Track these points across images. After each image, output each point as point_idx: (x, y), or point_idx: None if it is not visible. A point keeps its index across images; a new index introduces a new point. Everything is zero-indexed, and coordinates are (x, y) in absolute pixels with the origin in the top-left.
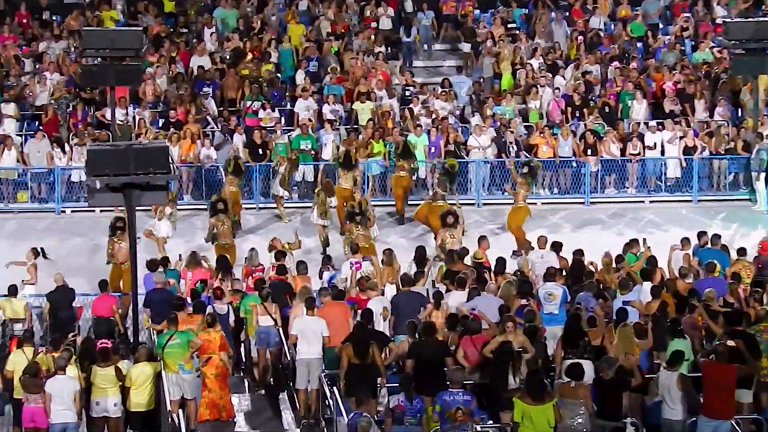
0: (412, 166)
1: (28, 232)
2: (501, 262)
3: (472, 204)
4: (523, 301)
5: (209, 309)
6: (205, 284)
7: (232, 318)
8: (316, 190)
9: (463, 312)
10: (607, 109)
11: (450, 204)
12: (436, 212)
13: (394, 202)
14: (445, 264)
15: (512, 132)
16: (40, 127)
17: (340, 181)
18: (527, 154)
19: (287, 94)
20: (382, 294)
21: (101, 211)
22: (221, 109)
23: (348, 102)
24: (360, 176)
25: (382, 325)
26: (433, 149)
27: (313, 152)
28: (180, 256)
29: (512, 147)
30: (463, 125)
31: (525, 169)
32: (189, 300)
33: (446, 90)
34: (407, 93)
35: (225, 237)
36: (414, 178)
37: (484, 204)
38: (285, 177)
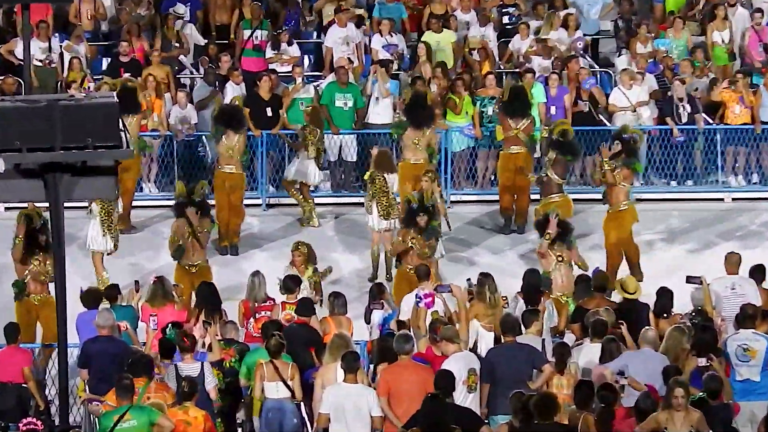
0: (528, 134)
1: None
2: (665, 296)
3: None
4: (702, 361)
5: (171, 372)
6: (179, 329)
7: (210, 381)
8: (368, 174)
9: (604, 377)
10: None
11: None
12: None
13: (496, 197)
14: (573, 299)
15: (682, 82)
16: None
17: (405, 153)
18: (707, 118)
19: (312, 17)
20: (470, 348)
21: (6, 209)
22: (206, 42)
23: (413, 31)
24: (436, 144)
25: (468, 399)
26: (553, 109)
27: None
28: (136, 283)
29: (683, 107)
30: (601, 70)
31: (617, 146)
32: (156, 354)
33: (570, 12)
34: (508, 18)
35: (197, 254)
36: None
37: (638, 200)
38: (318, 150)
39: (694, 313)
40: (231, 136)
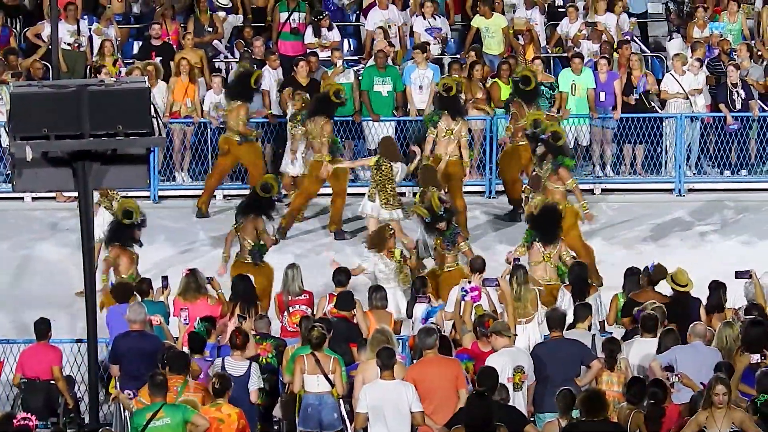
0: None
1: None
2: (718, 290)
3: (669, 191)
4: (755, 357)
5: (217, 367)
6: (212, 324)
7: (255, 383)
8: (374, 159)
9: (655, 373)
10: None
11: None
12: None
13: None
14: (623, 293)
15: (737, 67)
16: None
17: (437, 146)
18: (762, 105)
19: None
20: (514, 343)
21: (34, 199)
22: (241, 25)
23: (458, 14)
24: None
25: (513, 397)
26: (603, 95)
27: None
28: (164, 279)
29: (737, 93)
30: (653, 54)
31: (541, 148)
32: (187, 350)
33: None
34: (560, 0)
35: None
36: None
37: (690, 191)
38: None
39: (747, 308)
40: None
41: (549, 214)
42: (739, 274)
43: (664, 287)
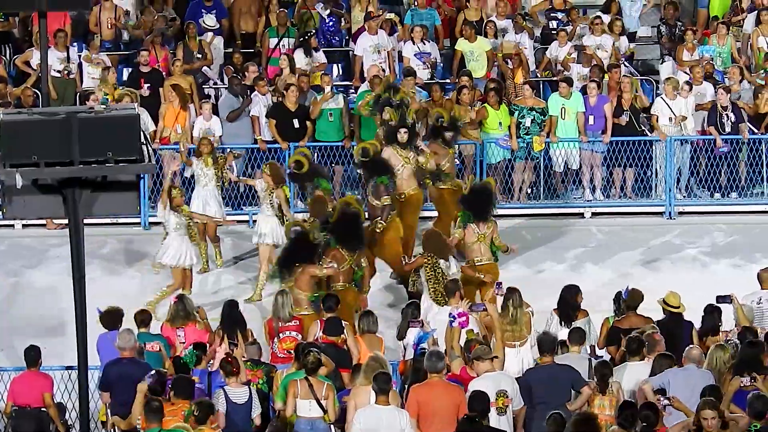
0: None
1: None
2: (712, 313)
3: (660, 214)
4: (745, 380)
5: (220, 397)
6: (202, 351)
7: (257, 407)
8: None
9: (646, 396)
10: None
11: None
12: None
13: (534, 209)
14: (613, 317)
15: (726, 90)
16: None
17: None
18: (752, 127)
19: (340, 24)
20: (502, 367)
21: (24, 226)
22: (229, 50)
23: (446, 38)
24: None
25: (499, 421)
26: (592, 119)
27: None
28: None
29: (727, 117)
30: (642, 78)
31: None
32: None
33: (612, 17)
34: (549, 23)
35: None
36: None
37: (681, 213)
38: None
39: (742, 331)
40: None
41: (480, 193)
42: (720, 299)
43: (657, 311)
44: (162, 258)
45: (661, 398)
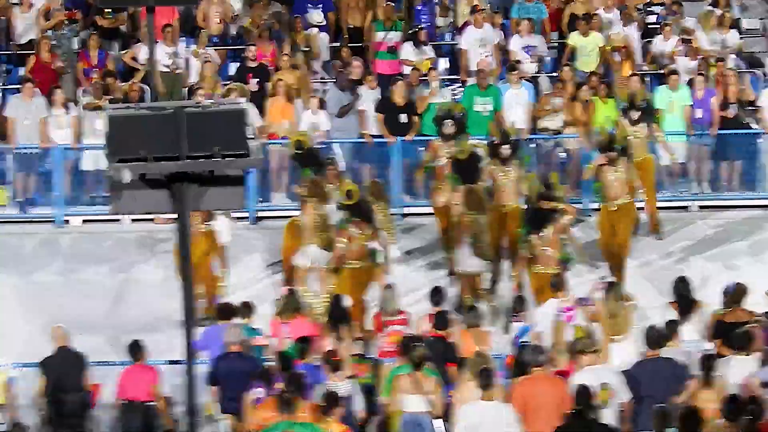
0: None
1: (8, 258)
2: None
3: (766, 207)
4: None
5: (320, 389)
6: (308, 344)
7: (360, 402)
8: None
9: (752, 390)
10: None
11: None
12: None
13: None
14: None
15: None
16: (28, 77)
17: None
18: None
19: (447, 18)
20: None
21: (133, 221)
22: (337, 44)
23: (554, 31)
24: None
25: (603, 415)
26: (700, 113)
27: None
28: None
29: None
30: (751, 71)
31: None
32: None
33: (722, 11)
34: (653, 18)
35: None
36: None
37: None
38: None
39: None
40: None
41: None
42: None
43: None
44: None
45: (766, 392)
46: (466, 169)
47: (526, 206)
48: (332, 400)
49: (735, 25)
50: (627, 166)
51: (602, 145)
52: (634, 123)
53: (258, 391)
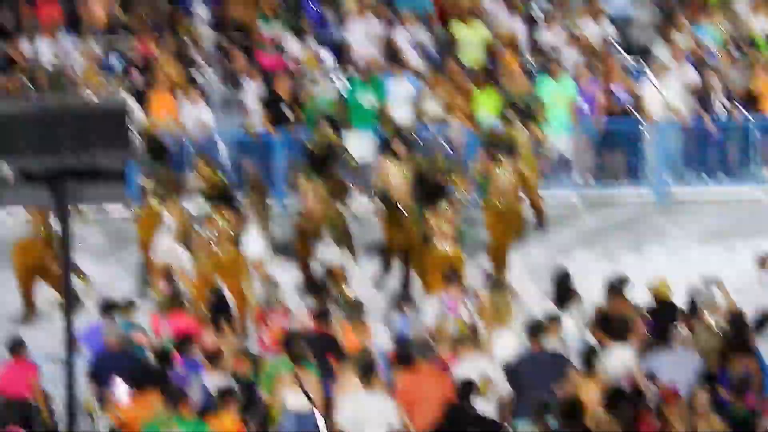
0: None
1: None
2: (694, 296)
3: (650, 197)
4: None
5: (197, 383)
6: (188, 339)
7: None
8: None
9: (633, 380)
10: None
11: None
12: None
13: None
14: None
15: (719, 74)
16: None
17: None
18: (746, 111)
19: (332, 10)
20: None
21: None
22: (222, 37)
23: (440, 24)
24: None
25: (484, 406)
26: (585, 106)
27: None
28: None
29: (717, 99)
30: (633, 62)
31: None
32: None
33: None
34: (537, 10)
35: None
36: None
37: (671, 198)
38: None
39: (727, 313)
40: None
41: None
42: (705, 282)
43: (645, 296)
44: None
45: (649, 382)
46: (321, 160)
47: (419, 183)
48: (227, 394)
49: (608, 16)
50: (514, 164)
51: (489, 144)
52: (512, 124)
53: (120, 387)
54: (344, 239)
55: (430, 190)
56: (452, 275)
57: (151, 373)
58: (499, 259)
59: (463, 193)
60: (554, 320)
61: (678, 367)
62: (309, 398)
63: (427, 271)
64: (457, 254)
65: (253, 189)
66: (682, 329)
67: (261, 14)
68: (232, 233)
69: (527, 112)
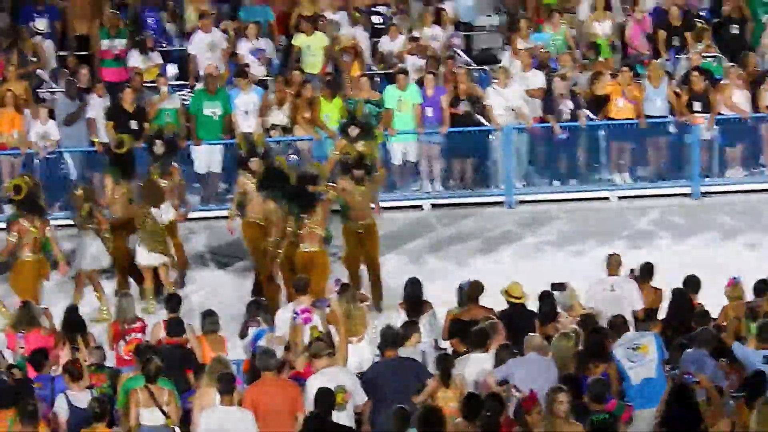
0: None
1: None
2: (548, 298)
3: (500, 203)
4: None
5: (62, 401)
6: (44, 356)
7: None
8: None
9: (490, 387)
10: (728, 32)
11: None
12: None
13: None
14: (457, 309)
15: (563, 77)
16: None
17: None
18: (589, 114)
19: (174, 23)
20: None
21: None
22: (64, 53)
23: (282, 34)
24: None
25: (339, 417)
26: (430, 111)
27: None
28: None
29: (564, 103)
30: (478, 68)
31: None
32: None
33: (443, 7)
34: (379, 18)
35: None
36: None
37: (521, 203)
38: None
39: (582, 318)
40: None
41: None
42: (555, 287)
43: (500, 301)
44: None
45: (506, 388)
46: (126, 162)
47: (289, 189)
48: (102, 406)
49: (453, 21)
50: (370, 183)
51: (348, 165)
52: (353, 140)
53: None
54: (154, 243)
55: (305, 197)
56: (303, 284)
57: (7, 391)
58: (353, 273)
59: (332, 196)
60: (410, 328)
61: (531, 372)
62: (164, 414)
63: (299, 269)
64: (324, 254)
65: (88, 200)
66: (535, 334)
67: (102, 29)
68: (38, 238)
69: (368, 127)
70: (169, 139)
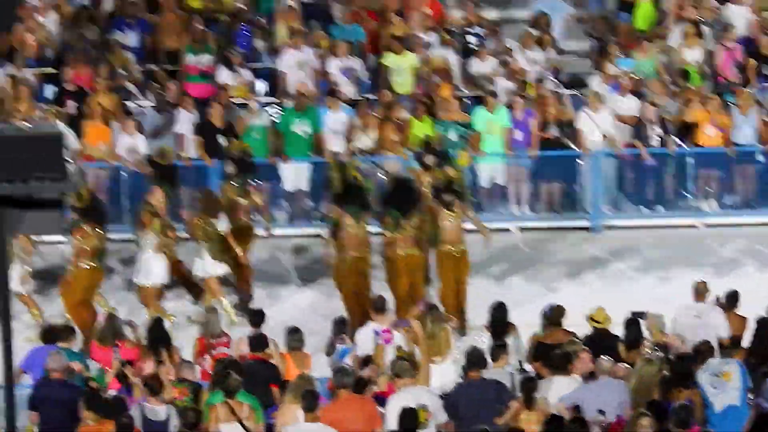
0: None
1: None
2: (633, 325)
3: (586, 228)
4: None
5: (136, 410)
6: (128, 369)
7: (175, 427)
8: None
9: (566, 412)
10: None
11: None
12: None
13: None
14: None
15: (653, 104)
16: None
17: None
18: (678, 140)
19: (264, 40)
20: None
21: None
22: (153, 67)
23: (372, 53)
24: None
25: None
26: (520, 134)
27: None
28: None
29: (652, 130)
30: (570, 92)
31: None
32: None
33: (540, 34)
34: (471, 38)
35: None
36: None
37: (607, 228)
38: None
39: (662, 345)
40: None
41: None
42: (635, 315)
43: (584, 325)
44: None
45: (599, 415)
46: (171, 173)
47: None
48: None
49: (554, 45)
50: (462, 209)
51: (438, 190)
52: (428, 168)
53: None
54: (218, 254)
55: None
56: (382, 305)
57: (113, 403)
58: (447, 303)
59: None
60: (499, 349)
61: (603, 396)
62: (245, 428)
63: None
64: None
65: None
66: (605, 358)
67: (189, 45)
68: (99, 246)
69: (444, 155)
70: (237, 159)
